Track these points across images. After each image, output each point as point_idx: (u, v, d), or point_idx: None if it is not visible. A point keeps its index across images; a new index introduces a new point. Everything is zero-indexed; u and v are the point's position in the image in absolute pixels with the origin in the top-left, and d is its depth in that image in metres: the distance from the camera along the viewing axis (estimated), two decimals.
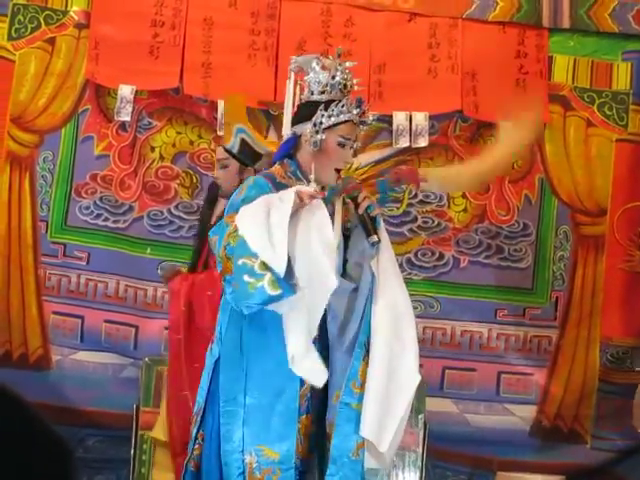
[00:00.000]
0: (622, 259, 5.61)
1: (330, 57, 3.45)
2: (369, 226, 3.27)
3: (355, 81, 3.44)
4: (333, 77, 3.38)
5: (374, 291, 3.30)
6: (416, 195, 5.38)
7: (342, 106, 3.35)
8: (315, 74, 3.37)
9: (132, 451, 4.72)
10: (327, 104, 3.31)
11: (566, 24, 5.51)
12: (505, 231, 5.54)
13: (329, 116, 3.31)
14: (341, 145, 3.37)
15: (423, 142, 5.36)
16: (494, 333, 5.54)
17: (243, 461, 3.17)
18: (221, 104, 5.21)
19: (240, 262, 3.02)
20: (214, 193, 4.43)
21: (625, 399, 5.32)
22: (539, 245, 5.61)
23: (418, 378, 3.27)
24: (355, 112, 3.39)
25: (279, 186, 3.31)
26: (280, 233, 3.04)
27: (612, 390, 5.45)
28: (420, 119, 5.34)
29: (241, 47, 5.35)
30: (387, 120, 5.25)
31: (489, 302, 5.55)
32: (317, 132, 3.29)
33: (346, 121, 3.38)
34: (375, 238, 3.25)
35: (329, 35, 5.39)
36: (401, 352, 3.27)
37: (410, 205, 5.36)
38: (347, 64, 3.41)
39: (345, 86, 3.40)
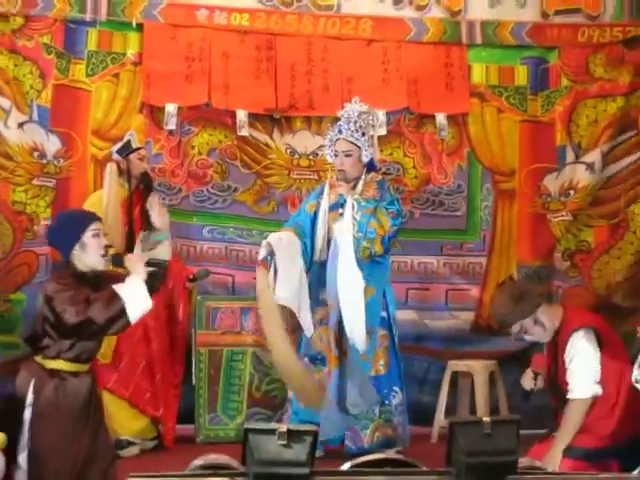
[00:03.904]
0: (528, 205, 6.37)
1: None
2: None
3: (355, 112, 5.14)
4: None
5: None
6: (380, 168, 6.09)
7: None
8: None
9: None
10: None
11: (479, 41, 6.34)
12: (445, 190, 6.35)
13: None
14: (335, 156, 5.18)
15: (383, 131, 6.21)
16: (441, 263, 6.35)
17: None
18: (239, 113, 6.21)
19: None
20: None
21: None
22: (470, 199, 6.39)
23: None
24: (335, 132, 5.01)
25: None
26: None
27: None
28: (380, 115, 6.19)
29: (250, 71, 6.21)
30: None
31: (437, 241, 6.35)
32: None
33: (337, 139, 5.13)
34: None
35: (311, 59, 6.28)
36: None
37: None
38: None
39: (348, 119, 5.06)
